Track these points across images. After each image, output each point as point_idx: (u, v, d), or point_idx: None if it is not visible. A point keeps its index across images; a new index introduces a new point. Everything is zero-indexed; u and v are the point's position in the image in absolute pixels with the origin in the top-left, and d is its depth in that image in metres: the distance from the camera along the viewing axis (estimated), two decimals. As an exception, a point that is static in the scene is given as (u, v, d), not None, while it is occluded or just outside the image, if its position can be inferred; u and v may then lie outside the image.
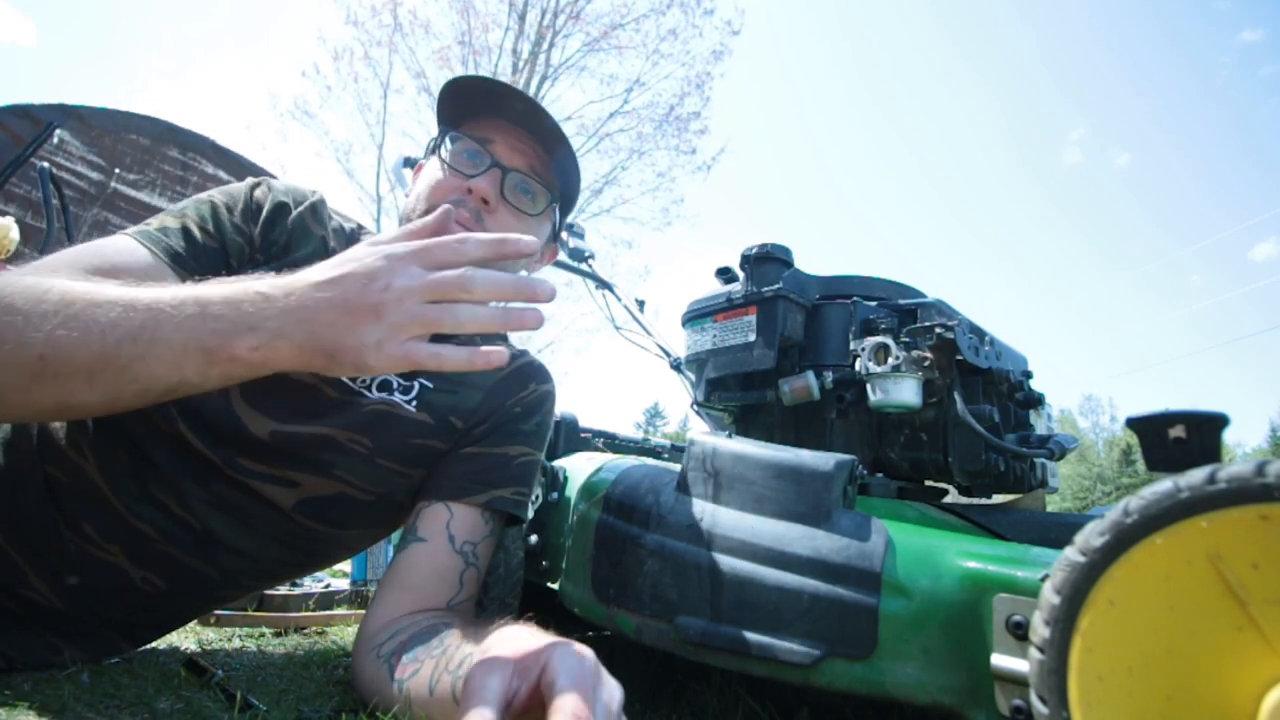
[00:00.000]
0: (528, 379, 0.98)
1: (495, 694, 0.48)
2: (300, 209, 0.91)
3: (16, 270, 0.65)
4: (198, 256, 0.82)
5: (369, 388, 0.88)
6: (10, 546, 0.78)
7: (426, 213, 0.85)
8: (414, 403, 0.90)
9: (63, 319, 0.58)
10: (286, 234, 0.89)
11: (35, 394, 0.59)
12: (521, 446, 0.93)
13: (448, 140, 0.93)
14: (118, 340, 0.58)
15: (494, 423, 0.93)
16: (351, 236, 0.98)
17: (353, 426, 0.85)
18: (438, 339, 0.63)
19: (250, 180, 0.92)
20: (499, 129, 0.93)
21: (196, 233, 0.83)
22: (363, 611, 1.28)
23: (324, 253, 0.90)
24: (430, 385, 0.92)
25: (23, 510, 0.78)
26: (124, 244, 0.78)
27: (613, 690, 0.50)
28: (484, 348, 0.61)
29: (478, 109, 0.94)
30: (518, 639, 0.57)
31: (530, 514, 0.98)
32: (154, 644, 1.05)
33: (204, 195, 0.88)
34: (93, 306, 0.59)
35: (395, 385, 0.90)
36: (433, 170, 0.93)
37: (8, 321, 0.58)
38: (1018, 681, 0.54)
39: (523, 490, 0.92)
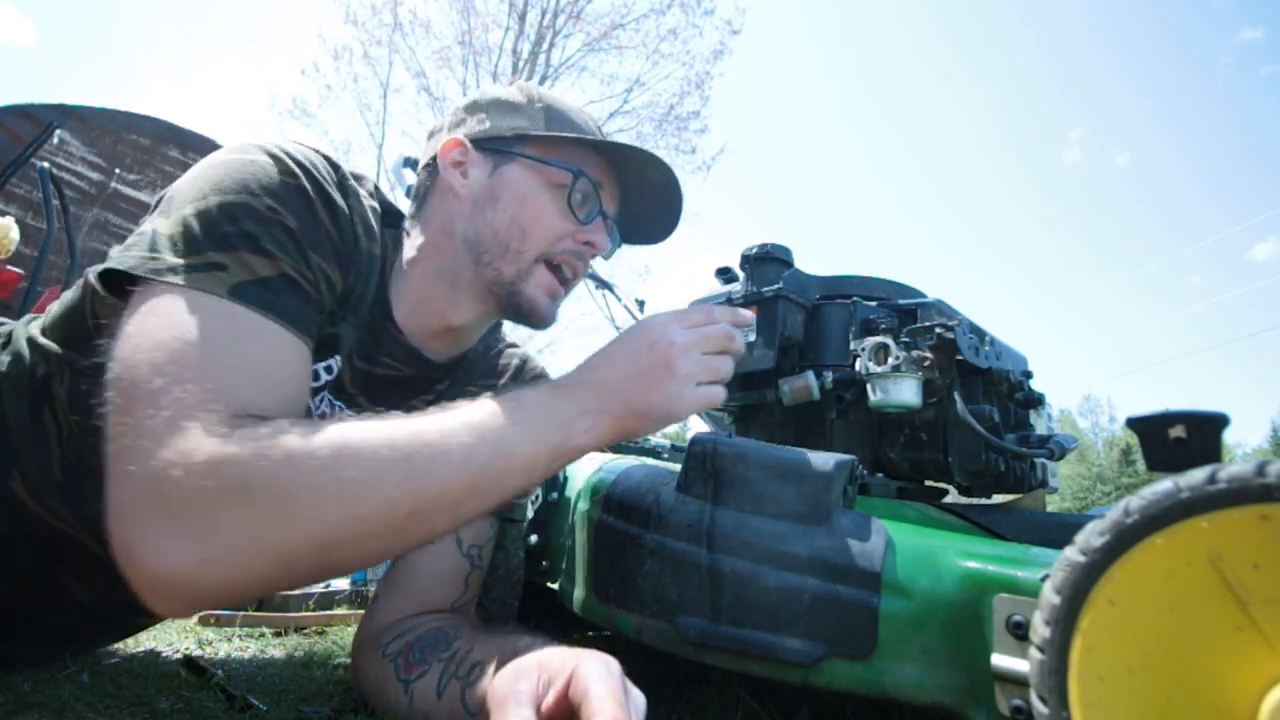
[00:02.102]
0: (493, 363, 0.97)
1: (528, 696, 0.49)
2: (356, 223, 0.74)
3: (268, 432, 0.53)
4: (310, 314, 0.66)
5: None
6: (17, 597, 0.77)
7: (531, 246, 0.77)
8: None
9: (417, 466, 0.56)
10: (353, 270, 0.74)
11: (396, 543, 0.58)
12: None
13: (570, 174, 0.78)
14: (479, 468, 0.59)
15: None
16: (370, 229, 0.77)
17: None
18: None
19: (307, 191, 0.67)
20: (606, 173, 0.82)
21: (304, 285, 0.65)
22: (363, 611, 1.28)
23: (371, 271, 0.77)
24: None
25: (20, 573, 0.75)
26: (272, 345, 0.60)
27: (638, 698, 0.52)
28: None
29: (600, 150, 0.81)
30: (539, 648, 0.58)
31: (530, 514, 0.98)
32: (154, 644, 1.05)
33: (277, 225, 0.63)
34: (439, 448, 0.57)
35: None
36: (541, 198, 0.78)
37: (351, 485, 0.53)
38: (1018, 681, 0.54)
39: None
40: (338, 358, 0.77)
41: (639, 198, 0.86)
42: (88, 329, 0.68)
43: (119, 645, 1.01)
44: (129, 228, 5.00)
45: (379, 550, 0.58)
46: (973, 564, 0.61)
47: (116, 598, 0.70)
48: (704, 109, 11.46)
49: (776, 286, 0.99)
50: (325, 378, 0.77)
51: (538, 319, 0.80)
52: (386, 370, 0.81)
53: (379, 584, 0.85)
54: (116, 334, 0.56)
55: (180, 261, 0.58)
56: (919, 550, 0.65)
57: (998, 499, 1.10)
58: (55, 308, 0.73)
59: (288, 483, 0.51)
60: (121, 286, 0.60)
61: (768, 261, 1.02)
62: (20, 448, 0.71)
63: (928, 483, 1.02)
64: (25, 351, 0.73)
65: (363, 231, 0.75)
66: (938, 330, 0.88)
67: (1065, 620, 0.44)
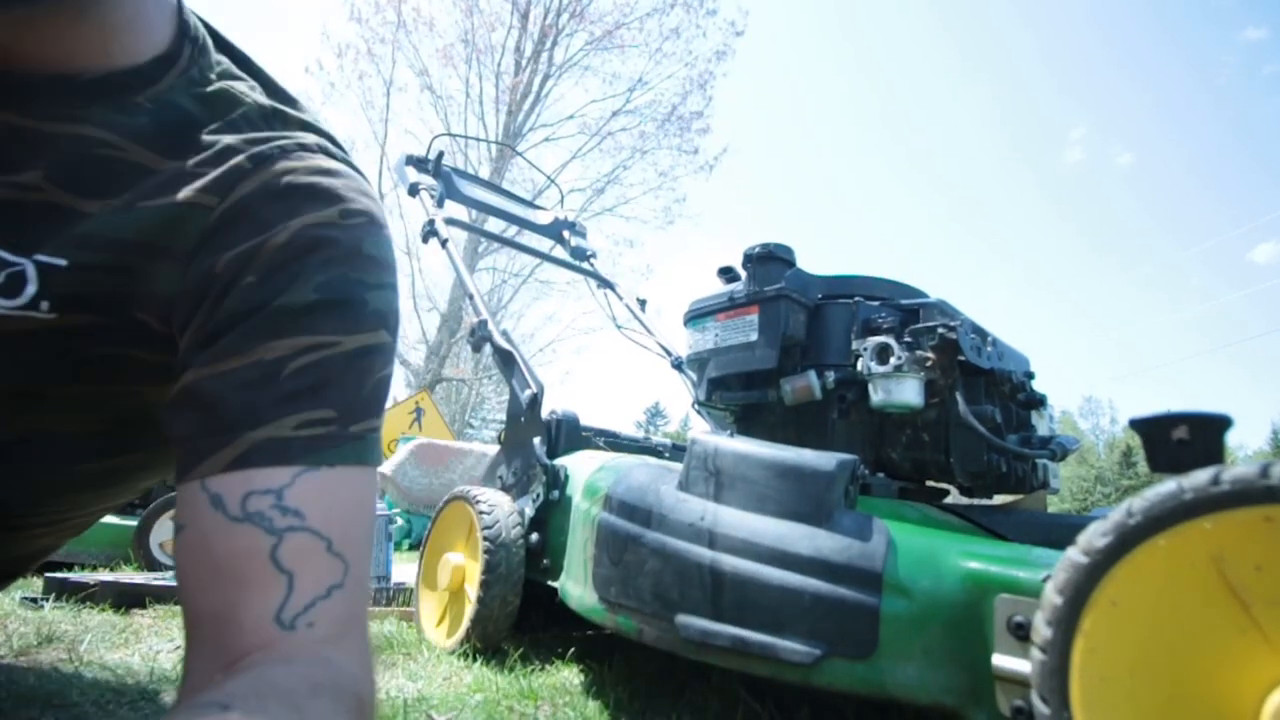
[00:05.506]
0: (264, 212, 0.48)
1: None
2: None
3: None
4: None
5: None
6: None
7: None
8: (46, 305, 0.45)
9: None
10: None
11: None
12: (293, 339, 0.45)
13: None
14: None
15: (218, 314, 0.46)
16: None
17: None
18: None
19: None
20: None
21: None
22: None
23: None
24: (63, 264, 0.45)
25: None
26: None
27: None
28: None
29: None
30: None
31: (531, 513, 0.97)
32: (154, 642, 1.05)
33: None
34: None
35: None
36: None
37: None
38: (1019, 682, 0.54)
39: (326, 412, 0.44)
40: None
41: None
42: None
43: (119, 644, 1.01)
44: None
45: None
46: (974, 564, 0.61)
47: None
48: (707, 109, 11.46)
49: (779, 286, 0.99)
50: None
51: None
52: None
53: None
54: None
55: None
56: (920, 551, 0.65)
57: (999, 500, 1.09)
58: None
59: None
60: None
61: (770, 261, 1.02)
62: None
63: (929, 483, 1.02)
64: None
65: None
66: (940, 330, 0.88)
67: (1067, 621, 0.44)
